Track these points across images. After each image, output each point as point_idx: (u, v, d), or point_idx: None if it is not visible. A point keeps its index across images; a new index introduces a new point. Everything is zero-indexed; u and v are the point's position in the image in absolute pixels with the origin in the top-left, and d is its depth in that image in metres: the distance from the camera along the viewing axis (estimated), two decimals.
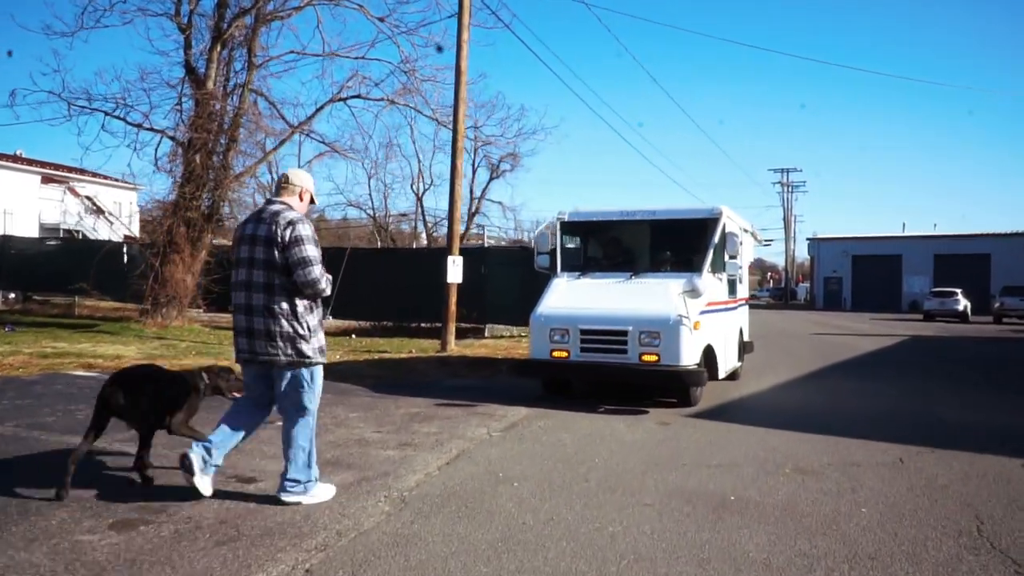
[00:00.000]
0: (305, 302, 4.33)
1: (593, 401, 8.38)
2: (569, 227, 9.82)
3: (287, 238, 4.22)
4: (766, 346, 17.24)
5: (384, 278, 19.44)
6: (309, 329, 4.32)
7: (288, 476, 4.38)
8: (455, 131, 14.86)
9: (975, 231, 50.17)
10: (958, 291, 35.61)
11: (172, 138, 18.64)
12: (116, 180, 32.96)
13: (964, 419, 7.97)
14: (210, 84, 18.42)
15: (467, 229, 58.56)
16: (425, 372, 11.16)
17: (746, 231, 11.00)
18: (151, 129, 18.53)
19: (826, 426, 7.30)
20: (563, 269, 9.44)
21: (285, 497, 4.36)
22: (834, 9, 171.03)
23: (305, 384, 4.36)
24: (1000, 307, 32.99)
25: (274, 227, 4.26)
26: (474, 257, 17.80)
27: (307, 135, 21.96)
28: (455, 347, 14.69)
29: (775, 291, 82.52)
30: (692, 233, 9.07)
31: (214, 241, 19.08)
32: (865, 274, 51.66)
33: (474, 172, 58.47)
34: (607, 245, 9.92)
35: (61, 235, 32.94)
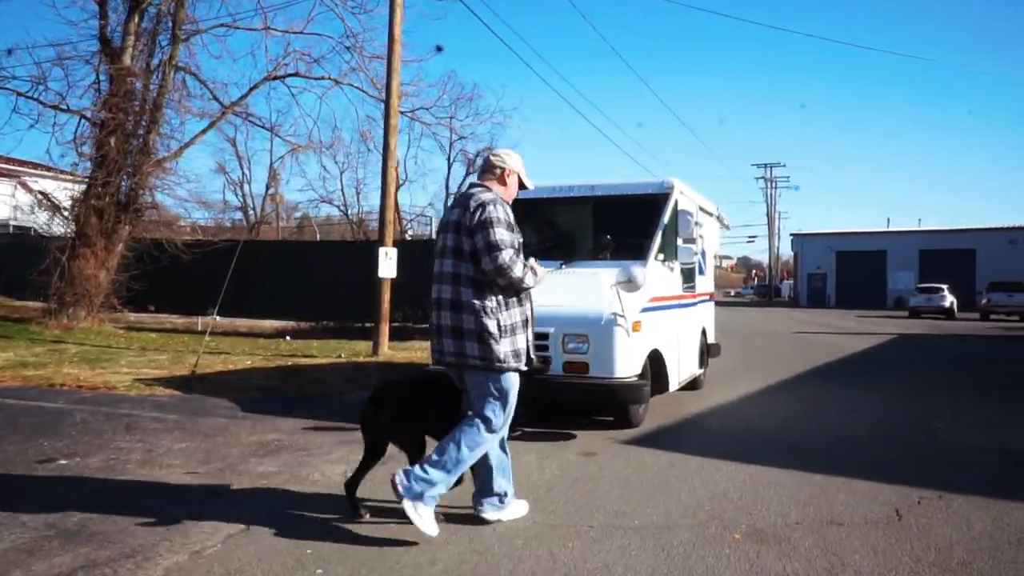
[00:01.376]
0: (498, 296, 3.84)
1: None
2: (515, 207, 8.11)
3: (474, 220, 3.80)
4: (744, 347, 15.63)
5: (328, 274, 17.62)
6: (500, 328, 3.81)
7: (411, 470, 3.73)
8: (387, 106, 13.10)
9: (960, 226, 49.05)
10: (944, 287, 34.37)
11: (88, 119, 16.77)
12: (75, 174, 30.92)
13: (973, 441, 6.31)
14: (127, 59, 16.56)
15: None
16: (331, 382, 9.40)
17: (708, 213, 9.30)
18: (66, 110, 16.64)
19: (800, 455, 5.63)
20: None
21: (401, 492, 3.69)
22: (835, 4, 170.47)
23: (491, 392, 3.85)
24: (987, 303, 31.79)
25: (464, 210, 3.88)
26: (419, 250, 16.05)
27: (246, 118, 20.26)
28: (388, 350, 12.95)
29: (759, 288, 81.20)
30: (638, 213, 7.35)
31: (134, 233, 17.16)
32: (850, 270, 50.35)
33: (449, 167, 56.91)
34: (540, 229, 8.16)
35: (11, 231, 30.84)
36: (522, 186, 4.25)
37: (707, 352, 9.43)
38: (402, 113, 20.00)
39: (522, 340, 3.91)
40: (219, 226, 41.36)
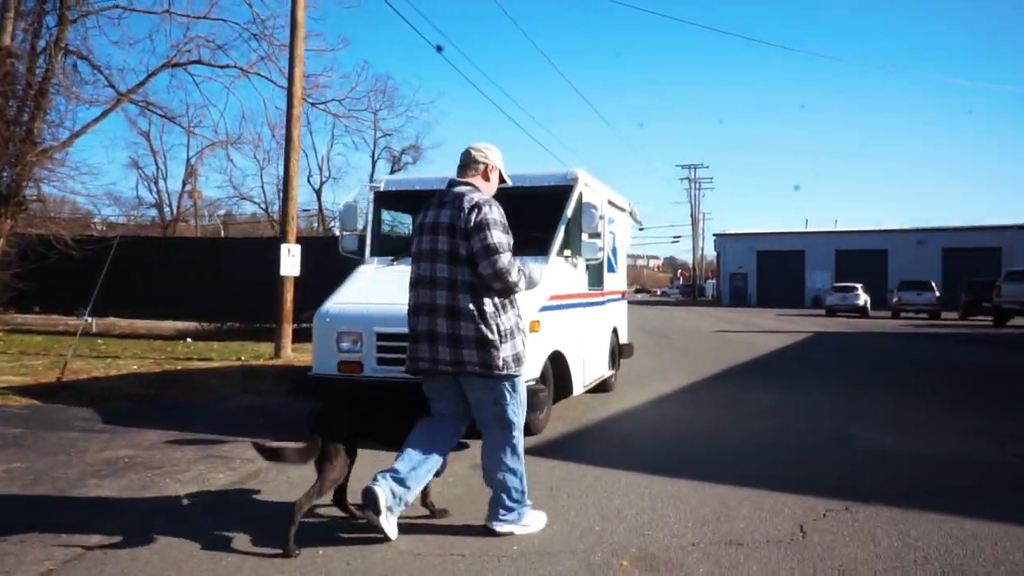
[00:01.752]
0: (496, 300, 3.70)
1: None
2: (386, 199, 7.52)
3: (471, 223, 3.64)
4: (662, 347, 15.47)
5: (237, 272, 16.55)
6: (500, 333, 3.68)
7: (501, 504, 3.77)
8: (290, 95, 12.33)
9: (873, 227, 50.86)
10: (858, 286, 35.39)
11: None
12: None
13: (887, 445, 6.08)
14: (7, 39, 15.23)
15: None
16: (216, 389, 8.64)
17: (619, 208, 8.95)
18: None
19: (705, 465, 5.26)
20: (374, 253, 7.15)
21: (497, 527, 3.78)
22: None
23: (506, 395, 3.76)
24: (898, 302, 32.86)
25: (457, 211, 3.69)
26: (329, 247, 15.26)
27: (146, 107, 19.05)
28: (292, 353, 12.19)
29: (684, 288, 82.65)
30: (540, 206, 6.90)
31: (16, 228, 15.81)
32: (770, 270, 51.56)
33: (374, 165, 55.70)
34: None
35: None
36: (502, 181, 4.07)
37: (619, 353, 9.08)
38: (313, 104, 19.28)
39: (521, 343, 3.80)
40: (139, 224, 39.36)
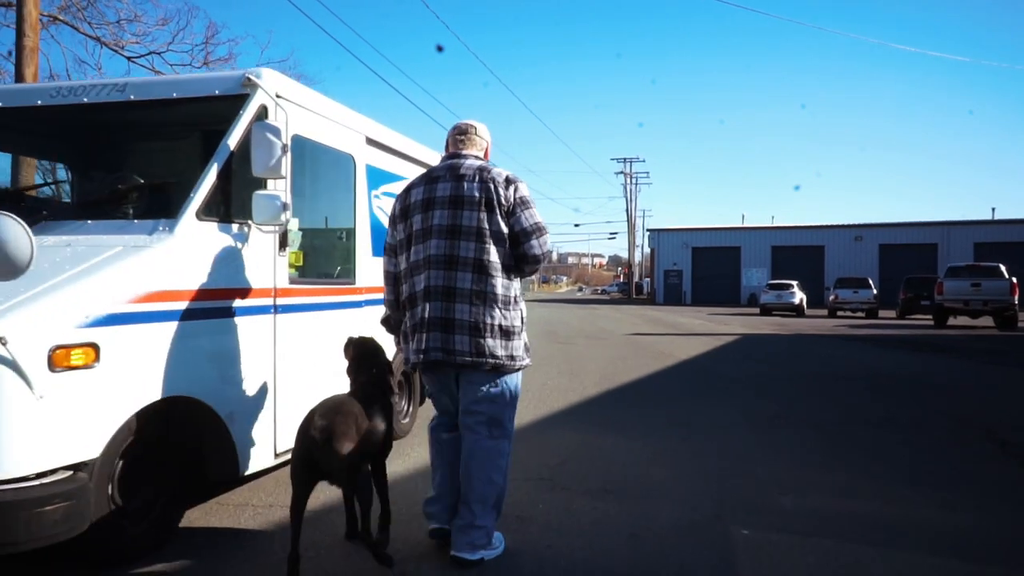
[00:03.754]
0: (517, 285, 3.41)
1: None
2: None
3: (512, 199, 3.33)
4: (555, 359, 12.52)
5: None
6: (523, 321, 3.41)
7: (475, 522, 3.27)
8: (21, 17, 9.03)
9: (810, 223, 49.37)
10: (794, 283, 33.42)
11: None
12: None
13: (790, 544, 3.25)
14: None
15: None
16: None
17: (406, 158, 5.92)
18: None
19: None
20: None
21: (465, 555, 3.24)
22: None
23: (507, 394, 3.37)
24: (834, 300, 30.92)
25: (489, 184, 3.31)
26: None
27: None
28: None
29: (622, 286, 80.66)
30: (189, 133, 3.87)
31: None
32: (705, 267, 49.65)
33: None
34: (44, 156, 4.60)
35: None
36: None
37: (406, 389, 6.04)
38: (132, 60, 15.81)
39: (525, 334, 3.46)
40: None
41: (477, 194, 3.28)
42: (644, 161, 66.86)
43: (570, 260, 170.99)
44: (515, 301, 3.35)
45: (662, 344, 15.80)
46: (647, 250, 69.38)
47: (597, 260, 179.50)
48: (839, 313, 30.94)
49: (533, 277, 70.42)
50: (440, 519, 3.44)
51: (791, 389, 9.19)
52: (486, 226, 3.27)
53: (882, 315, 30.64)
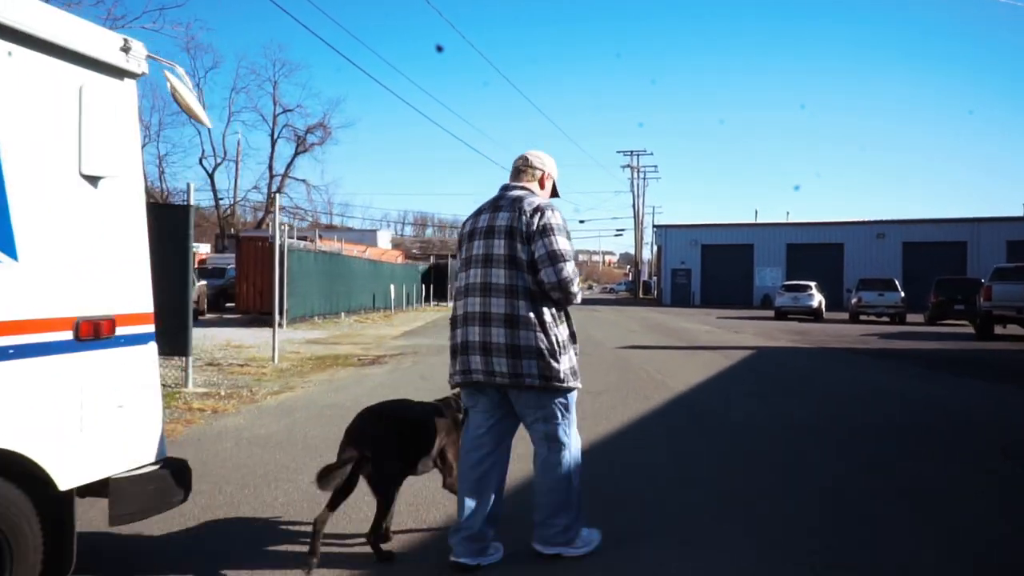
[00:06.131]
0: (553, 310, 3.53)
1: None
2: None
3: (534, 226, 3.49)
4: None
5: None
6: (559, 344, 3.48)
7: (545, 520, 3.59)
8: None
9: (828, 219, 46.36)
10: (812, 285, 30.53)
11: None
12: None
13: None
14: None
15: (266, 212, 49.39)
16: None
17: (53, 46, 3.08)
18: None
19: None
20: None
21: (538, 547, 3.60)
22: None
23: (559, 413, 3.56)
24: (857, 303, 27.98)
25: (517, 214, 3.54)
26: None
27: None
28: None
29: (630, 285, 77.76)
30: None
31: None
32: (715, 266, 46.70)
33: (273, 146, 49.42)
34: None
35: None
36: (554, 194, 3.89)
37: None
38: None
39: (575, 356, 3.60)
40: None
41: (506, 223, 3.53)
42: (652, 154, 63.78)
43: (580, 258, 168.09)
44: (553, 323, 3.48)
45: (656, 363, 12.91)
46: (655, 247, 66.45)
47: (607, 257, 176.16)
48: (862, 318, 27.96)
49: None
50: (457, 552, 3.48)
51: (836, 463, 6.27)
52: (513, 253, 3.49)
53: (909, 319, 27.65)
